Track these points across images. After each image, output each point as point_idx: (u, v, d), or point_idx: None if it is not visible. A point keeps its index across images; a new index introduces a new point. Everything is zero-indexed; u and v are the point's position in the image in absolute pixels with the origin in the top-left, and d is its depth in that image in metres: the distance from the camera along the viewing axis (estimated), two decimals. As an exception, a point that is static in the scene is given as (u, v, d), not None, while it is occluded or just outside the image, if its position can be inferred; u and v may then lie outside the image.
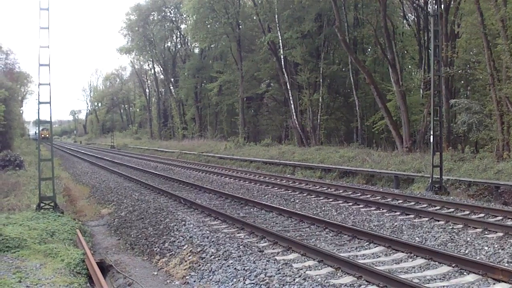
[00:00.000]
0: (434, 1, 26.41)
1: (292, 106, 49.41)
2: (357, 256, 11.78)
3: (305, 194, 22.15)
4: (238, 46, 60.45)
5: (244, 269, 10.67)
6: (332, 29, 46.05)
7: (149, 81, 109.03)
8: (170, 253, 13.18)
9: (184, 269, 11.68)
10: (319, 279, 9.70)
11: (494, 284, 9.49)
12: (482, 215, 16.16)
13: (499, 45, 28.90)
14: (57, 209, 18.97)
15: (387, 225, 15.02)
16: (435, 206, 18.02)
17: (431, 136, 23.01)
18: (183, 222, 15.66)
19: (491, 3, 28.33)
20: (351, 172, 28.99)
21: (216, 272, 10.94)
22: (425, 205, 18.26)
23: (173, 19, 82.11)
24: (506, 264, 10.68)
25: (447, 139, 32.79)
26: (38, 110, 19.37)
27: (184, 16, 75.50)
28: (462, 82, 42.43)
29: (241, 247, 12.30)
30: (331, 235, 14.05)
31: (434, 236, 13.37)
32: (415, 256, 11.42)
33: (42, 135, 67.91)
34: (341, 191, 22.93)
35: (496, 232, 13.41)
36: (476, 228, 14.02)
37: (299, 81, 49.33)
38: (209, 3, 57.65)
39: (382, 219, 15.84)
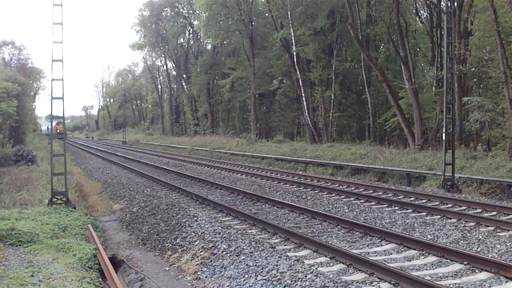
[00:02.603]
0: (447, -2, 26.31)
1: (304, 103, 49.32)
2: (369, 253, 11.77)
3: (317, 191, 22.16)
4: (250, 43, 60.41)
5: (256, 265, 10.69)
6: (344, 26, 45.89)
7: (161, 77, 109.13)
8: (182, 248, 13.23)
9: (196, 265, 11.71)
10: (331, 276, 9.69)
11: (506, 282, 9.45)
12: (494, 213, 16.13)
13: (513, 42, 28.80)
14: (69, 204, 19.06)
15: (399, 223, 14.99)
16: (447, 204, 18.00)
17: (444, 134, 22.98)
18: (195, 218, 15.71)
19: (505, 0, 28.19)
20: (363, 169, 28.94)
21: (228, 268, 10.96)
22: (437, 203, 18.23)
23: (186, 15, 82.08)
24: (519, 263, 10.62)
25: (459, 137, 32.64)
26: (51, 105, 19.44)
27: (197, 12, 75.49)
28: (475, 80, 42.23)
29: (253, 243, 12.32)
30: (343, 232, 14.05)
31: (446, 234, 13.33)
32: (427, 254, 11.39)
33: (58, 130, 68.14)
34: (353, 188, 22.91)
35: (509, 230, 13.38)
36: (488, 226, 13.99)
37: (311, 78, 49.26)
38: (222, 0, 57.64)
39: (394, 217, 15.82)
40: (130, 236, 16.27)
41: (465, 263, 10.45)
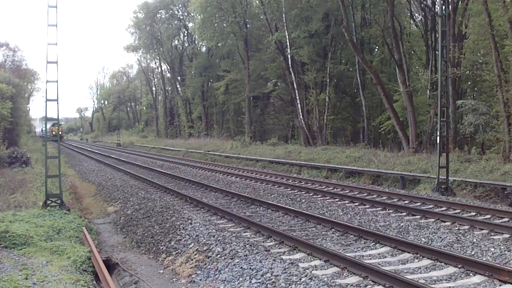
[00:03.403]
0: (441, 2, 26.35)
1: (299, 105, 49.39)
2: (363, 256, 11.78)
3: (311, 194, 22.17)
4: (245, 45, 60.48)
5: (250, 268, 10.69)
6: (339, 29, 46.02)
7: (155, 79, 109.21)
8: (176, 251, 13.21)
9: (190, 268, 11.70)
10: (325, 279, 9.70)
11: (500, 285, 9.47)
12: (488, 216, 16.16)
13: (507, 46, 28.82)
14: (64, 206, 19.01)
15: (393, 226, 15.01)
16: (441, 207, 18.02)
17: (438, 137, 23.00)
18: (189, 221, 15.70)
19: (499, 4, 28.27)
20: (357, 172, 28.96)
21: (222, 271, 10.96)
22: (431, 206, 18.26)
23: (181, 17, 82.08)
24: (513, 266, 10.65)
25: (454, 140, 32.71)
26: (46, 107, 19.41)
27: (192, 14, 75.50)
28: (469, 83, 42.35)
29: (247, 246, 12.33)
30: (337, 235, 14.05)
31: (440, 237, 13.35)
32: (421, 257, 11.42)
33: (54, 132, 67.94)
34: (347, 191, 22.95)
35: (503, 233, 13.41)
36: (483, 229, 14.02)
37: (306, 81, 49.28)
38: (217, 2, 57.64)
39: (388, 220, 15.85)
40: (124, 238, 16.25)
41: (459, 266, 10.48)
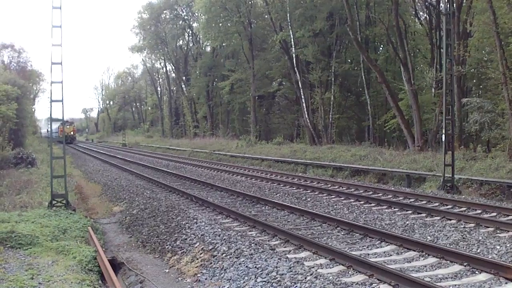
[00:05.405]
0: (446, 0, 26.31)
1: (304, 104, 49.36)
2: (368, 254, 11.76)
3: (316, 193, 22.14)
4: (250, 45, 60.48)
5: (255, 267, 10.68)
6: (344, 28, 45.98)
7: (160, 80, 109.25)
8: (182, 250, 13.21)
9: (196, 267, 11.70)
10: (330, 278, 9.68)
11: (506, 283, 9.44)
12: (494, 214, 16.12)
13: (512, 44, 28.78)
14: (69, 206, 19.02)
15: (399, 224, 14.98)
16: (446, 205, 17.98)
17: (443, 135, 22.96)
18: (195, 220, 15.70)
19: (504, 1, 28.19)
20: (363, 170, 28.92)
21: (228, 270, 10.96)
22: (436, 204, 18.22)
23: (185, 17, 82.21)
24: (519, 264, 10.61)
25: (459, 138, 32.64)
26: (51, 108, 19.44)
27: (196, 14, 75.59)
28: (474, 81, 42.30)
29: (252, 245, 12.31)
30: (342, 233, 14.04)
31: (446, 235, 13.33)
32: (426, 255, 11.39)
33: (66, 132, 67.63)
34: (352, 189, 22.89)
35: (508, 231, 13.37)
36: (488, 227, 13.99)
37: (310, 80, 49.29)
38: (221, 2, 57.72)
39: (393, 218, 15.81)
40: (130, 238, 16.26)
41: (465, 264, 10.45)
